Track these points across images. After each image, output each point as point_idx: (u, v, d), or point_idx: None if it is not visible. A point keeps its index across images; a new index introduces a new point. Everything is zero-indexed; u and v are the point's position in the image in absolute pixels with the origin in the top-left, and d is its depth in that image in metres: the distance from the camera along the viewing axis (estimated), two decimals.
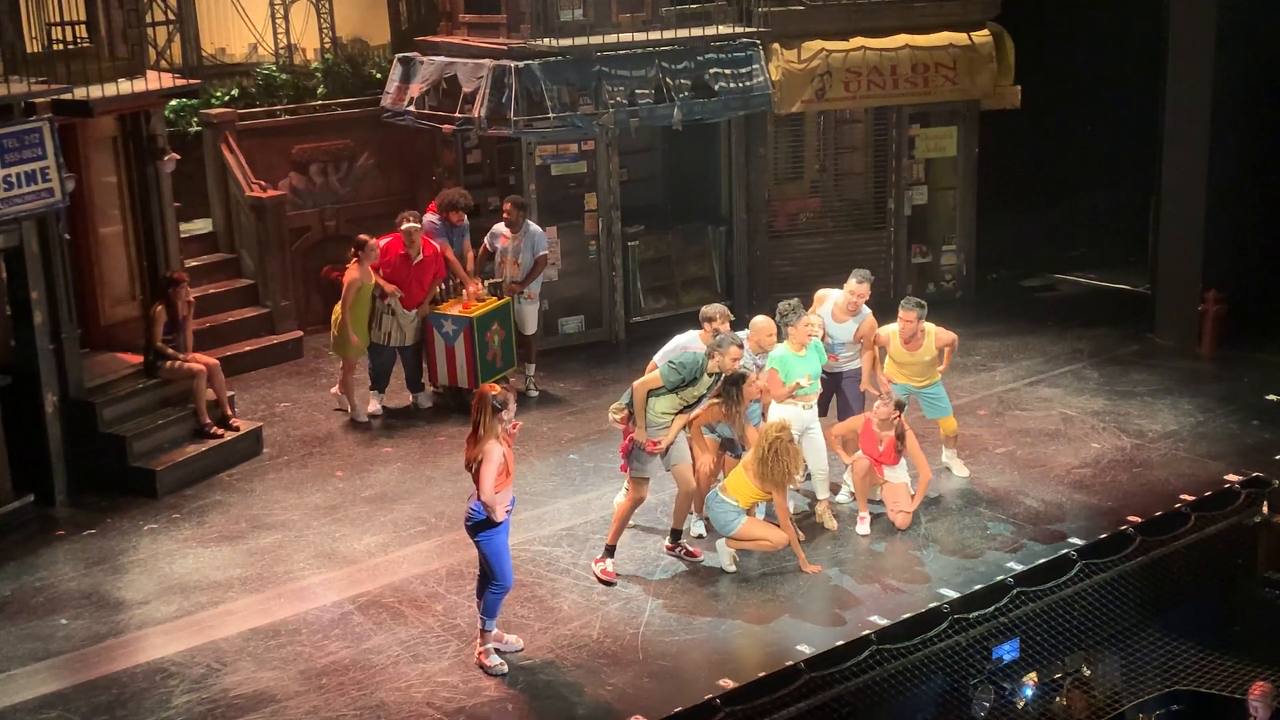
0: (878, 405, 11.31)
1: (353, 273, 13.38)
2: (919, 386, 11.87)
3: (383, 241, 13.70)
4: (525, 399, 14.19)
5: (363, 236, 13.67)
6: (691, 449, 10.86)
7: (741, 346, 10.59)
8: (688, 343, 11.12)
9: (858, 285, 11.70)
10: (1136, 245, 17.30)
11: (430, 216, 14.25)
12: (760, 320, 11.46)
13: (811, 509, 11.58)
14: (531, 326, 14.41)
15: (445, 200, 14.30)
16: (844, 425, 11.80)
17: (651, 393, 10.45)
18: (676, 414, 10.55)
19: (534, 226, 14.24)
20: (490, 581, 9.39)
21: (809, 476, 11.48)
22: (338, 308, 13.52)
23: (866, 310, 11.84)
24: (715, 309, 11.18)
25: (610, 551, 10.65)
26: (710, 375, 10.51)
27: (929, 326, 11.75)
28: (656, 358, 11.14)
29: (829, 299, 11.91)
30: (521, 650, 9.62)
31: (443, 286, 13.96)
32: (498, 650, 9.51)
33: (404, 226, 13.63)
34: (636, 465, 10.57)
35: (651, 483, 10.83)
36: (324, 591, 10.55)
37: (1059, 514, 11.54)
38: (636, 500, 10.68)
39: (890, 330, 11.83)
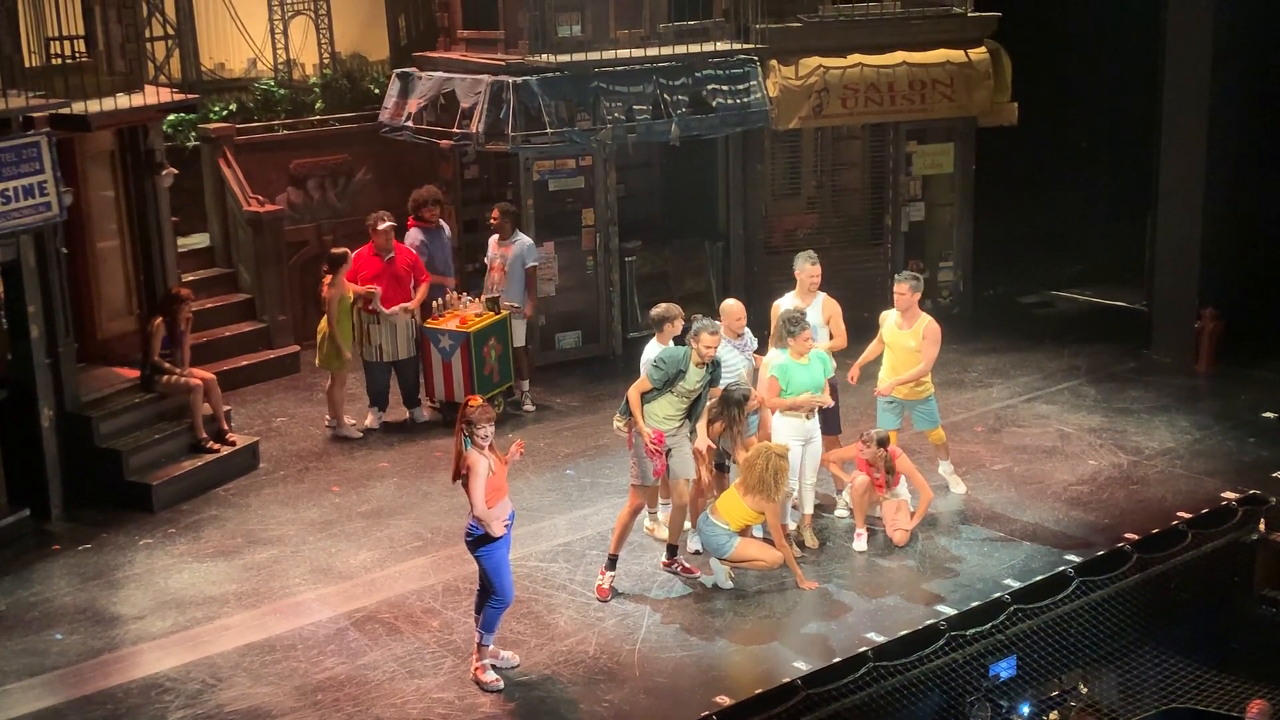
0: (859, 446, 11.30)
1: (330, 293, 13.38)
2: (910, 399, 11.87)
3: (354, 254, 13.74)
4: (521, 415, 14.20)
5: (335, 250, 13.72)
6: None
7: (715, 334, 10.43)
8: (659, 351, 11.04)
9: (811, 267, 11.77)
10: (1133, 262, 17.31)
11: (414, 233, 14.30)
12: (729, 304, 11.54)
13: (829, 511, 11.68)
14: (519, 339, 14.37)
15: (415, 200, 14.37)
16: (838, 453, 11.79)
17: (645, 397, 10.46)
18: (682, 416, 10.52)
19: (525, 238, 14.26)
20: (490, 596, 9.38)
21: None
22: (323, 323, 13.52)
23: (822, 293, 11.89)
24: (666, 309, 11.05)
25: (612, 562, 10.64)
26: (699, 366, 10.43)
27: (924, 315, 11.83)
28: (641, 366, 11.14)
29: (785, 301, 11.85)
30: (518, 666, 9.60)
31: (439, 301, 13.97)
32: (494, 666, 9.49)
33: (380, 226, 13.64)
34: (640, 473, 10.56)
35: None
36: (320, 607, 10.53)
37: (1056, 531, 11.53)
38: (635, 509, 10.67)
39: (885, 315, 11.93)
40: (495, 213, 14.25)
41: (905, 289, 11.76)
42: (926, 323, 11.81)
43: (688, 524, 11.01)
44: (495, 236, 14.22)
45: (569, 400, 14.71)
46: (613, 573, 10.62)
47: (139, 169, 13.31)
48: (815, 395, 11.04)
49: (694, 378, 10.45)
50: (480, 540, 9.23)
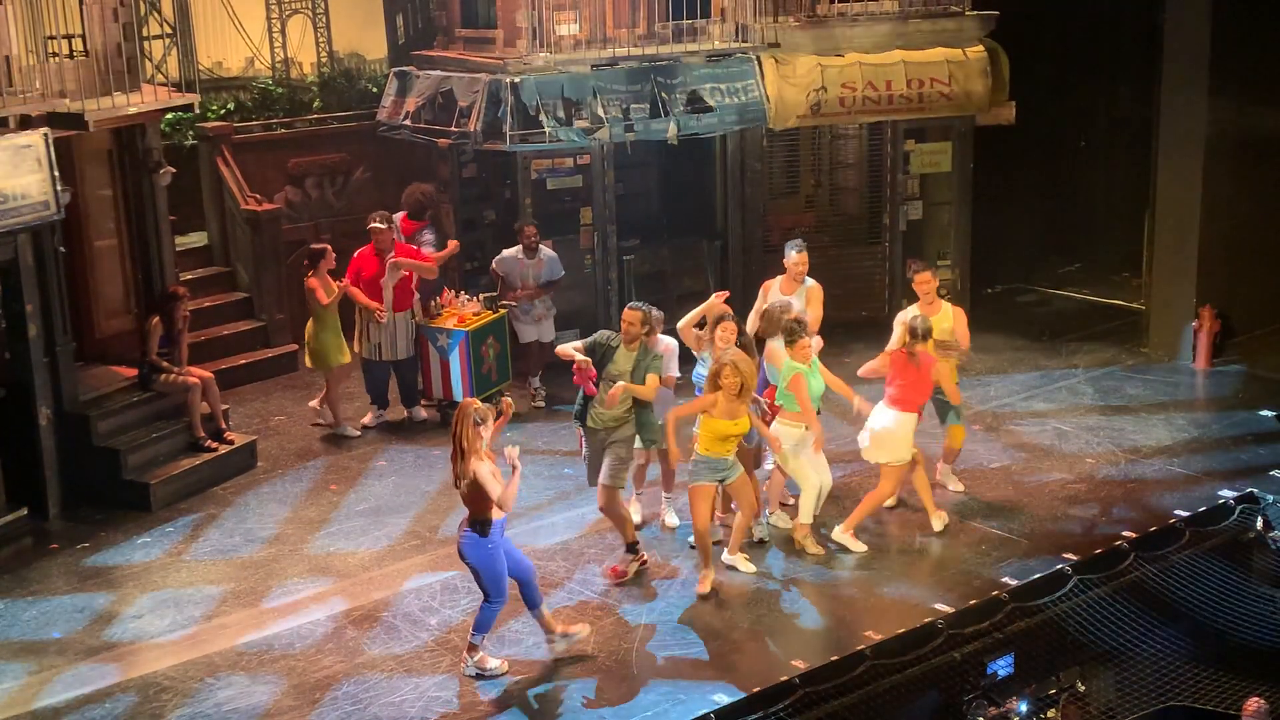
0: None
1: (312, 282, 13.37)
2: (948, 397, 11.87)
3: (355, 253, 13.71)
4: (523, 414, 14.20)
5: (315, 245, 13.71)
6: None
7: (635, 309, 10.63)
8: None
9: (797, 255, 12.03)
10: (1131, 261, 17.33)
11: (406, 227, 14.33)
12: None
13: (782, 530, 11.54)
14: (547, 335, 14.40)
15: (415, 205, 14.38)
16: (869, 367, 11.51)
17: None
18: (625, 409, 10.60)
19: (549, 251, 14.30)
20: (486, 599, 9.39)
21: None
22: (310, 323, 13.50)
23: (810, 279, 12.07)
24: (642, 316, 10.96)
25: (632, 549, 10.73)
26: (629, 350, 10.52)
27: (943, 301, 12.01)
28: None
29: (774, 285, 12.11)
30: (506, 673, 9.54)
31: (436, 300, 13.97)
32: (480, 675, 9.46)
33: (370, 226, 13.64)
34: (588, 475, 10.89)
35: (645, 499, 10.93)
36: (317, 605, 10.53)
37: (1053, 529, 11.54)
38: (605, 506, 10.71)
39: (900, 317, 11.81)
40: (530, 230, 14.17)
41: (928, 275, 11.93)
42: (951, 306, 12.02)
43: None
44: (523, 255, 14.16)
45: (567, 399, 14.68)
46: (631, 556, 10.67)
47: (137, 168, 13.29)
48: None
49: (622, 360, 10.56)
50: (474, 548, 9.24)
